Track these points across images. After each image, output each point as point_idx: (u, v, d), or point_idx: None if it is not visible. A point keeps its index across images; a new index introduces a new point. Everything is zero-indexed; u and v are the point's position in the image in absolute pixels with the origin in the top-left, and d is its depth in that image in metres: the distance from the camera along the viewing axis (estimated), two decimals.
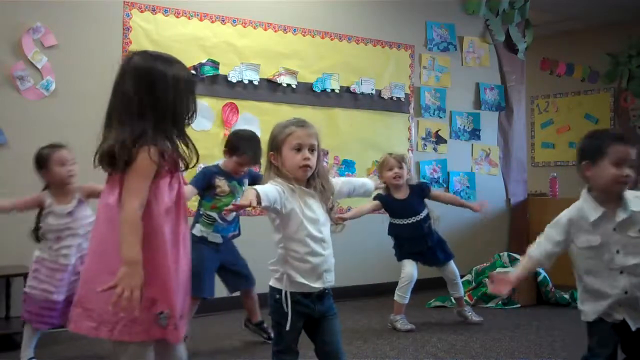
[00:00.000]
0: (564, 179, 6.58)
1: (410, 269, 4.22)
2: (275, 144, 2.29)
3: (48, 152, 3.25)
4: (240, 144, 3.61)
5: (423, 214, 4.24)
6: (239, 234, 3.76)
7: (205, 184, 3.59)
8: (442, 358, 3.55)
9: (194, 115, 2.01)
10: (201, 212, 3.63)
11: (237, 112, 4.83)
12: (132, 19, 4.46)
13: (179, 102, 1.94)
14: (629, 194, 2.35)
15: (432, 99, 5.91)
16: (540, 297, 5.09)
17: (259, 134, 4.84)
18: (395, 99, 5.62)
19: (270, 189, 2.17)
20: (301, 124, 2.32)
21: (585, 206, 2.36)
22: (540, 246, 2.43)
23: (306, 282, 2.26)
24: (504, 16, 6.34)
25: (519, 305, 4.99)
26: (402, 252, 4.29)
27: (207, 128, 4.70)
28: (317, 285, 2.28)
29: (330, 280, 2.32)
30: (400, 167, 4.19)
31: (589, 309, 2.39)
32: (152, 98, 1.90)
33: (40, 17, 4.14)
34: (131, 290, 1.77)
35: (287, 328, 2.25)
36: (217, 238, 3.62)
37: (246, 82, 4.87)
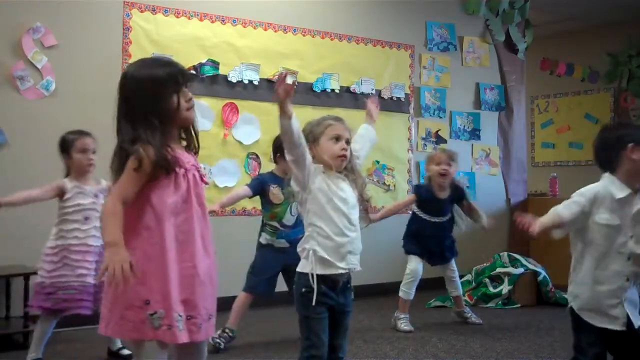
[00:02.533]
0: (564, 179, 6.58)
1: (415, 265, 4.21)
2: (313, 136, 2.40)
3: (72, 138, 3.27)
4: None
5: (449, 215, 4.26)
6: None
7: (258, 190, 3.68)
8: (442, 358, 3.55)
9: (177, 114, 1.99)
10: (264, 222, 3.72)
11: (237, 112, 4.83)
12: (132, 19, 4.46)
13: (151, 103, 1.94)
14: None
15: (432, 99, 5.91)
16: (540, 297, 5.09)
17: (259, 134, 4.90)
18: (395, 99, 5.62)
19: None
20: (338, 119, 2.48)
21: (611, 185, 2.42)
22: (570, 208, 2.40)
23: (330, 259, 2.31)
24: (504, 16, 6.34)
25: (519, 305, 4.99)
26: (413, 245, 4.25)
27: (207, 128, 4.70)
28: (342, 265, 2.33)
29: (354, 263, 2.38)
30: (449, 165, 4.15)
31: (586, 295, 2.40)
32: (128, 102, 1.96)
33: (40, 17, 4.14)
34: (120, 265, 1.80)
35: (313, 303, 2.29)
36: (283, 244, 3.67)
37: (246, 82, 4.87)
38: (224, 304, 4.47)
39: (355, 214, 2.40)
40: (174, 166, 1.95)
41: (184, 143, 2.11)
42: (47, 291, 3.21)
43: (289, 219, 3.67)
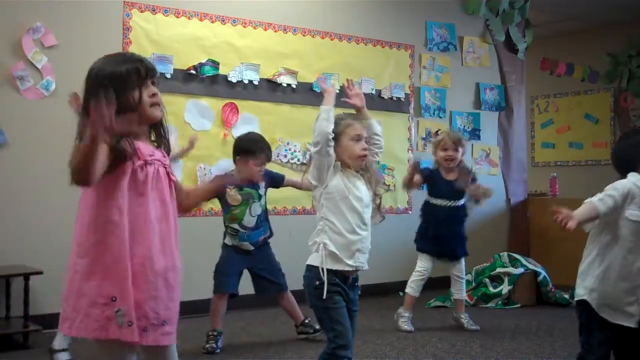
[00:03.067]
0: (564, 179, 6.58)
1: (428, 264, 4.20)
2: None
3: None
4: (253, 146, 3.65)
5: (463, 201, 4.19)
6: (270, 235, 3.78)
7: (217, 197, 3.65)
8: (442, 358, 3.55)
9: (139, 109, 1.94)
10: (225, 225, 3.70)
11: (237, 112, 4.83)
12: (132, 19, 4.46)
13: (111, 98, 1.87)
14: None
15: (432, 99, 5.91)
16: (540, 297, 5.09)
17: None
18: (395, 99, 5.62)
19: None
20: (356, 117, 2.51)
21: (639, 182, 2.42)
22: (605, 202, 2.37)
23: (340, 254, 2.35)
24: (504, 16, 6.33)
25: (519, 305, 4.99)
26: (426, 237, 4.22)
27: (207, 128, 4.70)
28: (350, 262, 2.37)
29: (362, 262, 2.42)
30: (456, 150, 4.13)
31: (608, 290, 2.39)
32: (88, 97, 1.96)
33: (40, 17, 4.14)
34: (98, 119, 1.68)
35: (324, 296, 2.32)
36: (247, 246, 3.68)
37: (246, 82, 4.86)
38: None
39: (368, 213, 2.44)
40: (131, 155, 1.88)
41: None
42: None
43: (249, 221, 3.65)
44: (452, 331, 4.16)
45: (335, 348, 2.33)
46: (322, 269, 2.34)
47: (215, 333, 3.64)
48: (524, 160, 6.68)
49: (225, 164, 4.77)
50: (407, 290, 4.23)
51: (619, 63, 7.44)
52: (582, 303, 2.45)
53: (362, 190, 2.43)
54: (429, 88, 5.89)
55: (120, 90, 1.93)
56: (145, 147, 1.94)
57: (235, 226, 3.64)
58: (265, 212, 3.75)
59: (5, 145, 4.05)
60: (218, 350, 3.60)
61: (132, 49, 4.39)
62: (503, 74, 6.40)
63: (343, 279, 2.39)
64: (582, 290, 2.46)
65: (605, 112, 7.75)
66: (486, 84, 6.28)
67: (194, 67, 4.64)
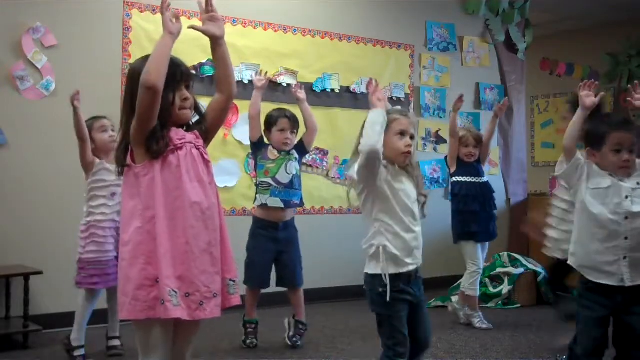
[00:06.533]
0: None
1: (480, 263, 4.31)
2: None
3: (90, 123, 3.39)
4: (272, 114, 3.79)
5: (486, 178, 4.44)
6: (300, 204, 3.84)
7: (260, 143, 3.76)
8: (442, 358, 3.55)
9: (170, 110, 2.07)
10: (257, 183, 3.78)
11: (237, 112, 4.83)
12: (132, 19, 4.46)
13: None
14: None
15: (432, 99, 5.91)
16: (540, 297, 5.09)
17: None
18: (395, 99, 5.62)
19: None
20: (404, 113, 2.45)
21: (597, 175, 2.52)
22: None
23: (400, 255, 2.30)
24: (504, 16, 6.34)
25: (519, 305, 4.99)
26: (464, 225, 4.30)
27: None
28: (409, 261, 2.32)
29: (419, 258, 2.37)
30: (476, 147, 4.36)
31: (583, 253, 2.48)
32: (129, 95, 2.03)
33: (40, 17, 4.14)
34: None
35: (388, 299, 2.29)
36: (277, 203, 3.69)
37: (246, 82, 4.86)
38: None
39: (416, 208, 2.39)
40: (163, 151, 2.00)
41: None
42: (80, 266, 3.33)
43: (283, 177, 3.69)
44: (452, 331, 4.16)
45: (395, 355, 2.33)
46: (385, 275, 2.29)
47: (254, 324, 3.76)
48: (524, 160, 6.68)
49: (225, 163, 4.79)
50: (468, 292, 4.32)
51: (619, 63, 7.43)
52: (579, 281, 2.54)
53: (407, 185, 2.37)
54: (429, 88, 5.89)
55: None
56: (174, 132, 2.06)
57: (269, 180, 3.68)
58: (299, 178, 3.80)
59: (5, 145, 4.05)
60: (255, 344, 3.73)
61: (132, 49, 4.40)
62: (503, 74, 6.40)
63: (407, 279, 2.35)
64: (569, 256, 2.57)
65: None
66: (486, 84, 6.28)
67: (194, 67, 4.64)
